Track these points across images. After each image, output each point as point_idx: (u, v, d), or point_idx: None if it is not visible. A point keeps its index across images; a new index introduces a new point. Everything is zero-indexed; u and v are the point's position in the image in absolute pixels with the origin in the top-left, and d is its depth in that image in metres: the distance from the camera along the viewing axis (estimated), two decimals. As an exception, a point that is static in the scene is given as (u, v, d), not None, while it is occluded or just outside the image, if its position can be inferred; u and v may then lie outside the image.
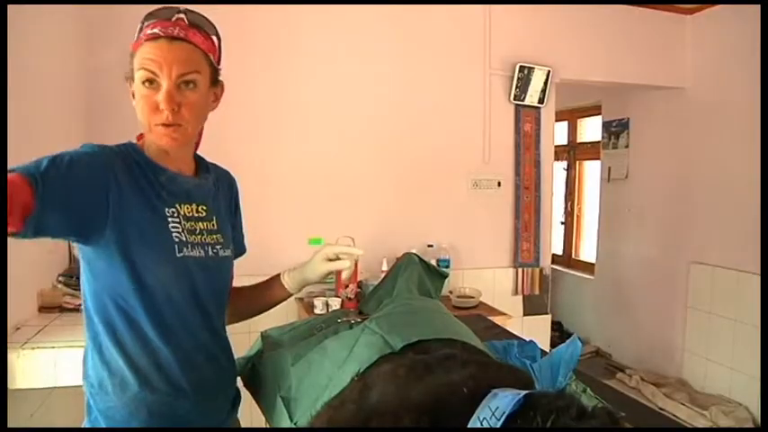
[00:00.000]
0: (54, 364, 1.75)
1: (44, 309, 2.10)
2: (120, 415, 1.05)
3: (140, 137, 1.15)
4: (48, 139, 2.19)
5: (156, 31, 1.03)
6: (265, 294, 1.38)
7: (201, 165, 1.23)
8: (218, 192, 1.24)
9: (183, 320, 1.10)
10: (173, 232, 1.08)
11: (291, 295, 1.38)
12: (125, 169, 1.04)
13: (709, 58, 3.68)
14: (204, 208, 1.16)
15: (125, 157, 1.07)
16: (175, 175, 1.12)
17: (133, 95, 1.08)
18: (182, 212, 1.11)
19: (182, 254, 1.08)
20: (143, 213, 1.04)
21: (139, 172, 1.07)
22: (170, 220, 1.08)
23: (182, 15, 1.06)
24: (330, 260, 1.30)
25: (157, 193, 1.08)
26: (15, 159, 1.78)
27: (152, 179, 1.08)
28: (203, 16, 1.10)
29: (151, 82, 1.02)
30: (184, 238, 1.09)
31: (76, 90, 2.47)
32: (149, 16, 1.07)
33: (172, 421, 1.09)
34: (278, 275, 1.37)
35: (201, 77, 1.07)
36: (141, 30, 1.06)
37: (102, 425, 1.06)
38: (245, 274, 1.40)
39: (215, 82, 1.13)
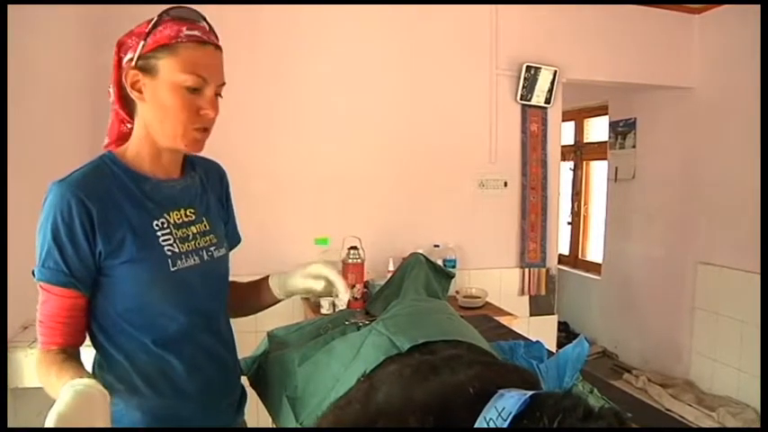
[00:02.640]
0: (61, 363, 1.75)
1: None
2: (126, 418, 1.04)
3: (115, 144, 1.12)
4: (52, 139, 2.20)
5: (197, 33, 1.01)
6: (256, 295, 1.33)
7: (187, 162, 1.19)
8: (206, 188, 1.21)
9: (184, 330, 1.09)
10: (164, 246, 1.06)
11: (281, 300, 1.32)
12: (100, 194, 1.01)
13: (716, 58, 3.65)
14: (192, 211, 1.14)
15: (100, 176, 1.04)
16: (159, 183, 1.09)
17: (136, 87, 1.03)
18: (171, 221, 1.09)
19: (176, 267, 1.07)
20: (131, 236, 1.02)
21: (119, 187, 1.04)
22: (160, 234, 1.06)
23: (204, 24, 1.05)
24: (313, 277, 1.24)
25: (143, 207, 1.06)
26: (19, 159, 1.79)
27: (135, 193, 1.05)
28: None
29: (196, 88, 1.02)
30: (177, 249, 1.08)
31: (82, 89, 2.48)
32: (175, 15, 1.01)
33: (178, 425, 1.09)
34: (267, 278, 1.31)
35: None
36: (161, 23, 1.00)
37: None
38: (250, 273, 1.40)
39: None
